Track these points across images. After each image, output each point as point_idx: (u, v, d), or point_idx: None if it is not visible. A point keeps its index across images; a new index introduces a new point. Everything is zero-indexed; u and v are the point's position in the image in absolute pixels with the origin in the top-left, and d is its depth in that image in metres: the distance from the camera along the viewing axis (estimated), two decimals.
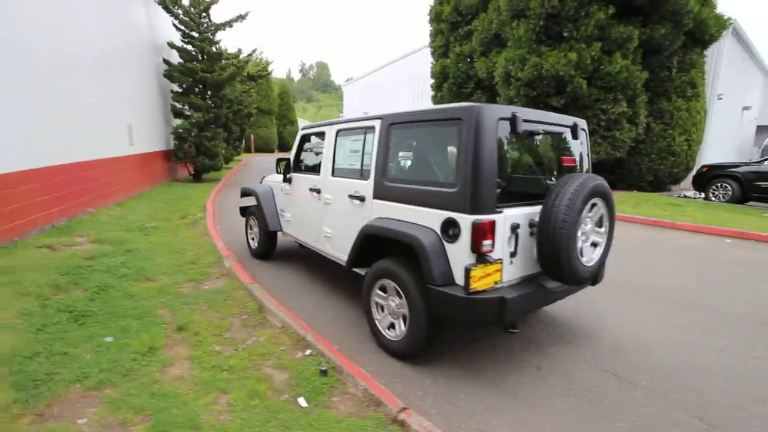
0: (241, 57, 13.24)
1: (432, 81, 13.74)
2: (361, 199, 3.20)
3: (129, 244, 5.39)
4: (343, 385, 2.50)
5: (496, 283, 2.44)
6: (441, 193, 2.55)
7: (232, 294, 3.93)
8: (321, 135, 3.96)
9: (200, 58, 11.72)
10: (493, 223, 2.37)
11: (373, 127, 3.18)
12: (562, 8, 8.68)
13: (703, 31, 10.07)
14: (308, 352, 2.86)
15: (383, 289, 2.99)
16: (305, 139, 4.39)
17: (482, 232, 2.33)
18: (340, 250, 3.59)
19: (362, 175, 3.29)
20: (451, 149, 2.56)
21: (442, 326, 2.76)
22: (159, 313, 3.45)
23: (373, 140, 3.14)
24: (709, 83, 12.30)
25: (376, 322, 3.06)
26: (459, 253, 2.44)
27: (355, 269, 3.35)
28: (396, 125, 2.96)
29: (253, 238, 5.42)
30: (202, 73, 11.21)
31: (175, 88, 11.93)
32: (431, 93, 14.05)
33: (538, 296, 2.61)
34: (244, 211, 5.66)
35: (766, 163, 9.43)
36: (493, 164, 2.38)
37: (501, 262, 2.43)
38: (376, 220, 3.00)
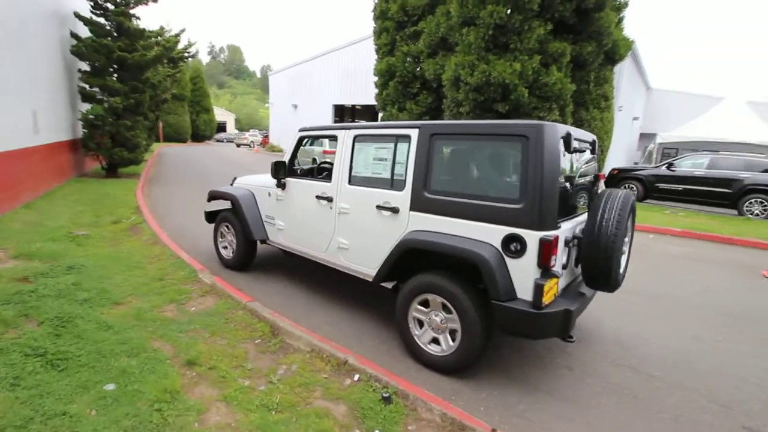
0: (166, 36, 11.70)
1: (376, 78, 13.67)
2: (394, 210, 3.06)
3: (66, 259, 4.47)
4: (414, 411, 2.38)
5: (554, 295, 2.53)
6: (502, 208, 2.54)
7: (231, 315, 3.50)
8: (329, 139, 3.68)
9: (115, 34, 10.08)
10: (557, 239, 2.45)
11: (407, 136, 3.05)
12: (508, 20, 9.25)
13: (615, 51, 11.55)
14: (357, 377, 2.67)
15: (424, 303, 2.92)
16: (304, 141, 4.05)
17: (550, 248, 2.39)
18: (359, 263, 3.40)
19: (393, 185, 3.15)
20: (514, 165, 2.57)
21: (491, 338, 2.79)
22: (155, 345, 2.92)
23: (408, 150, 3.02)
24: (614, 96, 14.20)
25: (415, 338, 2.98)
26: (524, 269, 2.47)
27: (382, 283, 3.21)
28: (440, 136, 2.88)
29: (225, 247, 4.88)
30: (121, 53, 9.68)
31: (84, 66, 10.12)
32: (375, 90, 13.98)
33: (583, 304, 2.78)
34: (213, 216, 5.07)
35: (663, 167, 11.23)
36: (556, 182, 2.45)
37: (559, 276, 2.52)
38: (417, 233, 2.90)
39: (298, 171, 4.33)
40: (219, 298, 3.83)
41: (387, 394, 2.46)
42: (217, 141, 40.37)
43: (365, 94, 22.47)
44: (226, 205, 4.97)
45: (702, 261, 6.18)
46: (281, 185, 4.09)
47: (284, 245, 4.23)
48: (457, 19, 10.06)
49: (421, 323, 2.99)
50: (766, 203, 9.45)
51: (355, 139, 3.43)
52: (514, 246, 2.50)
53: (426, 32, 11.55)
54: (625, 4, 11.45)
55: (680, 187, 10.65)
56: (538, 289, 2.39)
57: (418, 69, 12.18)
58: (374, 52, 13.81)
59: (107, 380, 2.45)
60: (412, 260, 3.02)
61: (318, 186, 3.73)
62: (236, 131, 51.32)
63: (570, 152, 2.65)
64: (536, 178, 2.41)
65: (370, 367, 2.70)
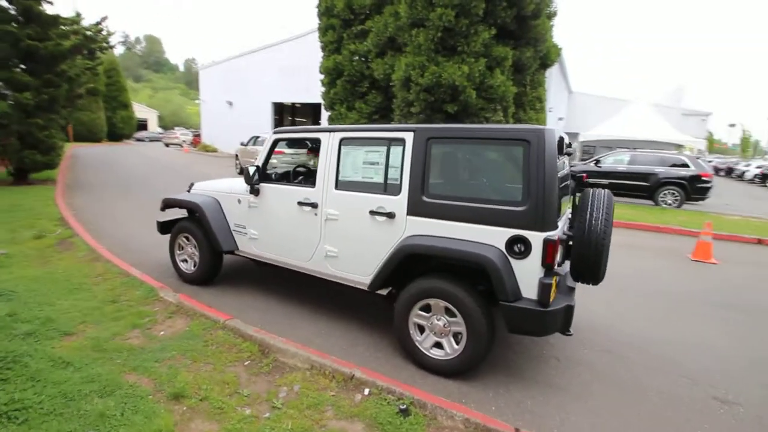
0: (83, 23, 10.35)
1: (322, 76, 13.37)
2: (390, 215, 2.99)
3: None
4: (434, 420, 2.34)
5: (555, 292, 2.65)
6: (505, 211, 2.59)
7: (210, 337, 3.18)
8: (311, 142, 3.49)
9: (21, 19, 8.70)
10: (560, 239, 2.55)
11: (401, 140, 2.99)
12: (456, 24, 9.54)
13: (547, 56, 12.47)
14: (367, 391, 2.56)
15: (425, 308, 2.90)
16: (279, 144, 3.80)
17: (554, 248, 2.49)
18: (351, 271, 3.28)
19: (387, 189, 3.07)
20: (515, 168, 2.63)
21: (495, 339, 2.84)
22: (130, 380, 2.56)
23: (403, 153, 2.97)
24: (546, 99, 15.34)
25: (417, 343, 2.95)
26: (528, 269, 2.54)
27: (377, 291, 3.13)
28: (436, 140, 2.86)
29: (185, 260, 4.45)
30: (31, 41, 8.38)
31: None
32: (320, 88, 13.67)
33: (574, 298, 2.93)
34: (167, 227, 4.60)
35: (592, 163, 12.37)
36: (556, 184, 2.55)
37: (561, 274, 2.63)
38: (417, 238, 2.86)
39: (273, 176, 4.06)
40: (190, 318, 3.47)
41: (404, 406, 2.39)
42: (137, 140, 36.79)
43: (307, 91, 21.91)
44: (183, 213, 4.54)
45: (638, 248, 6.91)
46: (255, 191, 3.80)
47: (258, 255, 3.95)
48: (407, 20, 10.17)
49: (421, 328, 2.96)
50: (677, 194, 10.83)
51: (342, 142, 3.30)
52: (517, 247, 2.56)
53: (374, 32, 11.52)
54: (555, 14, 12.36)
55: (606, 181, 11.79)
56: (546, 288, 2.47)
57: (366, 68, 12.12)
58: (320, 49, 13.49)
59: (84, 428, 2.09)
60: (410, 265, 2.97)
61: (300, 191, 3.53)
62: (159, 129, 47.26)
63: (561, 155, 2.78)
64: (539, 181, 2.49)
65: (379, 379, 2.62)
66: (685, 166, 11.07)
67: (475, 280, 2.80)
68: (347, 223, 3.25)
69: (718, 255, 6.34)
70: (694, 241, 6.62)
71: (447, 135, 2.85)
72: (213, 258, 4.22)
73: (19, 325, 3.03)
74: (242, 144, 15.11)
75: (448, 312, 2.81)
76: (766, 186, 23.30)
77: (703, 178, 10.80)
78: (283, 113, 27.50)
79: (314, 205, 3.40)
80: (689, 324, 4.00)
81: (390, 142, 3.07)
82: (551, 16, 12.07)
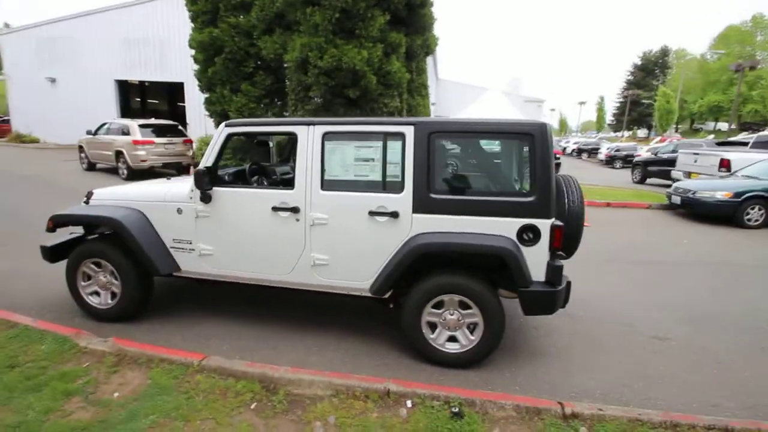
0: None
1: (194, 52, 11.60)
2: (393, 215, 2.82)
3: None
4: (487, 415, 2.36)
5: None
6: (515, 202, 2.70)
7: (188, 386, 2.56)
8: (275, 136, 3.01)
9: None
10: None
11: (400, 134, 2.81)
12: (353, 6, 9.30)
13: (430, 45, 13.25)
14: (410, 403, 2.43)
15: (437, 305, 2.87)
16: (232, 139, 3.16)
17: (561, 233, 2.72)
18: (345, 278, 3.02)
19: (387, 188, 2.88)
20: (521, 161, 2.74)
21: None
22: None
23: (404, 148, 2.80)
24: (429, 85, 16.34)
25: (430, 341, 2.91)
26: (536, 254, 2.72)
27: (382, 295, 2.96)
28: (439, 134, 2.77)
29: (94, 293, 3.46)
30: None
31: None
32: (194, 66, 11.87)
33: None
34: (60, 252, 3.49)
35: None
36: (554, 173, 2.76)
37: (565, 257, 2.90)
38: (428, 236, 2.77)
39: (226, 178, 3.39)
40: (145, 367, 2.72)
41: (456, 409, 2.35)
42: None
43: (161, 69, 18.82)
44: (74, 232, 3.52)
45: None
46: (206, 198, 3.13)
47: (212, 274, 3.30)
48: None
49: (432, 326, 2.93)
50: None
51: (325, 137, 2.93)
52: (527, 235, 2.72)
53: (258, 5, 10.45)
54: (432, 4, 13.11)
55: None
56: (558, 270, 2.70)
57: (251, 45, 10.94)
58: (189, 19, 11.62)
59: None
60: (419, 265, 2.88)
61: (273, 195, 3.04)
62: None
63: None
64: (544, 171, 2.66)
65: (418, 387, 2.50)
66: None
67: (484, 271, 2.89)
68: (339, 227, 2.95)
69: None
70: None
71: (450, 129, 2.80)
72: (141, 285, 3.37)
73: None
74: (89, 133, 12.19)
75: (462, 305, 2.84)
76: (581, 158, 29.62)
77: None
78: (130, 93, 23.09)
79: (295, 210, 2.98)
80: (601, 279, 4.88)
81: (386, 136, 2.86)
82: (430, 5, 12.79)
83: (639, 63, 62.76)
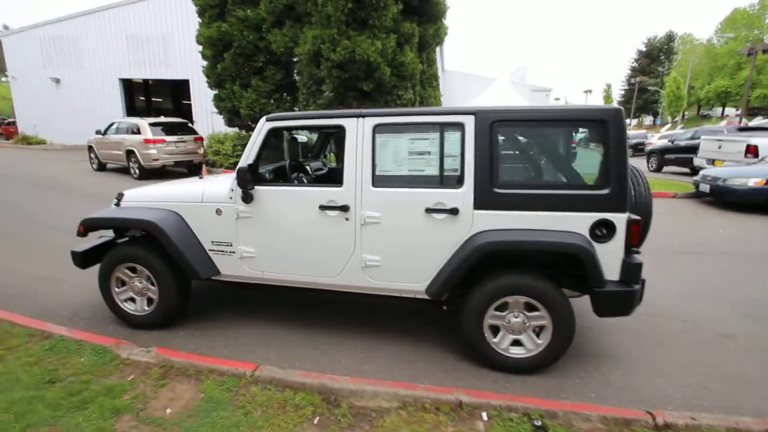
0: None
1: (201, 48, 11.36)
2: (453, 212, 2.63)
3: None
4: (572, 427, 2.18)
5: None
6: (587, 195, 2.50)
7: (244, 399, 2.39)
8: (330, 128, 2.82)
9: None
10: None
11: (459, 124, 2.61)
12: None
13: (440, 35, 12.94)
14: (485, 416, 2.25)
15: (501, 307, 2.69)
16: (276, 135, 2.97)
17: (638, 228, 2.52)
18: (399, 280, 2.84)
19: (445, 182, 2.68)
20: (593, 150, 2.53)
21: None
22: None
23: (463, 140, 2.60)
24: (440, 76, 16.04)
25: (493, 345, 2.73)
26: (611, 251, 2.52)
27: (440, 297, 2.78)
28: (503, 123, 2.57)
29: (130, 299, 3.31)
30: None
31: None
32: (202, 63, 11.66)
33: None
34: (92, 257, 3.33)
35: None
36: (629, 163, 2.56)
37: (640, 252, 2.69)
38: (492, 233, 2.57)
39: (267, 176, 3.20)
40: (194, 379, 2.55)
41: (539, 422, 2.18)
42: None
43: (166, 66, 18.58)
44: (105, 236, 3.38)
45: None
46: (248, 198, 2.94)
47: (254, 278, 3.13)
48: None
49: (494, 329, 2.75)
50: None
51: (376, 129, 2.73)
52: (600, 231, 2.52)
53: None
54: None
55: None
56: (636, 269, 2.51)
57: (260, 39, 10.69)
58: (196, 14, 11.38)
59: None
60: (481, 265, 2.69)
61: (321, 193, 2.85)
62: None
63: None
64: (619, 161, 2.45)
65: (492, 398, 2.33)
66: None
67: (547, 270, 2.70)
68: (393, 226, 2.76)
69: None
70: None
71: (515, 117, 2.59)
72: (179, 290, 3.20)
73: None
74: (98, 132, 12.02)
75: (527, 307, 2.66)
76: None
77: None
78: (135, 92, 22.89)
79: (344, 208, 2.79)
80: (645, 271, 4.66)
81: (443, 127, 2.66)
82: None
83: (644, 49, 61.79)
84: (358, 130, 2.75)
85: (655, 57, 61.48)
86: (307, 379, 2.47)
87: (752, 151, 9.40)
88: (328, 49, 9.26)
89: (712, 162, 10.34)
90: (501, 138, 2.59)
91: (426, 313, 3.48)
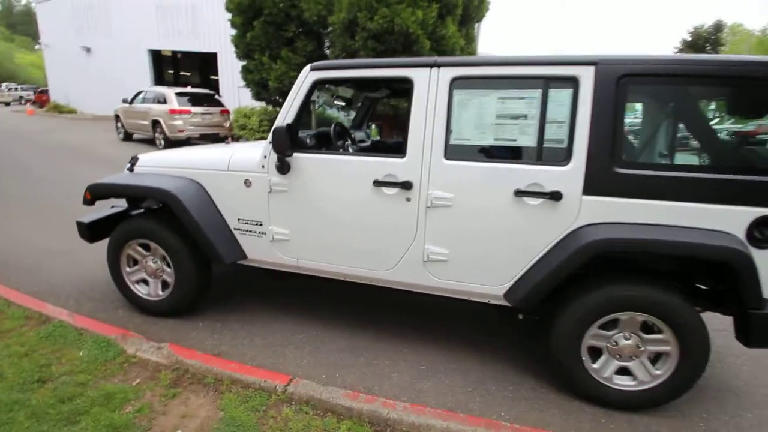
0: None
1: (231, 16, 10.81)
2: (554, 196, 1.98)
3: None
4: None
5: None
6: (747, 183, 1.81)
7: (274, 423, 1.86)
8: (390, 83, 2.20)
9: None
10: None
11: (571, 79, 1.94)
12: None
13: (482, 9, 11.96)
14: None
15: (608, 325, 2.06)
16: (322, 88, 2.37)
17: None
18: (471, 280, 2.23)
19: (544, 157, 2.03)
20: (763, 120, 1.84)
21: None
22: None
23: (575, 100, 1.93)
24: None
25: (591, 372, 2.11)
26: None
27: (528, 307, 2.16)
28: (636, 79, 1.88)
29: (142, 281, 2.82)
30: None
31: None
32: (231, 31, 11.12)
33: None
34: (100, 229, 2.85)
35: None
36: None
37: None
38: (607, 228, 1.92)
39: (308, 141, 2.62)
40: (214, 391, 2.04)
41: None
42: None
43: (194, 37, 18.12)
44: (117, 206, 2.87)
45: None
46: (284, 167, 2.37)
47: (287, 265, 2.58)
48: None
49: (595, 352, 2.12)
50: None
51: (454, 84, 2.09)
52: (761, 232, 1.84)
53: None
54: None
55: None
56: None
57: (292, 7, 10.04)
58: None
59: None
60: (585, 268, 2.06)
61: (377, 164, 2.25)
62: None
63: None
64: None
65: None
66: None
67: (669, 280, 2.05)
68: (469, 211, 2.14)
69: None
70: None
71: (653, 72, 1.89)
72: (198, 274, 2.69)
73: None
74: (125, 101, 11.74)
75: (645, 328, 2.02)
76: None
77: None
78: (163, 65, 22.67)
79: (406, 185, 2.18)
80: None
81: (548, 82, 1.99)
82: None
83: (689, 39, 57.89)
84: (430, 84, 2.12)
85: (700, 47, 57.52)
86: (355, 402, 1.92)
87: None
88: (365, 17, 8.54)
89: None
90: (632, 99, 1.91)
91: (489, 318, 2.88)
